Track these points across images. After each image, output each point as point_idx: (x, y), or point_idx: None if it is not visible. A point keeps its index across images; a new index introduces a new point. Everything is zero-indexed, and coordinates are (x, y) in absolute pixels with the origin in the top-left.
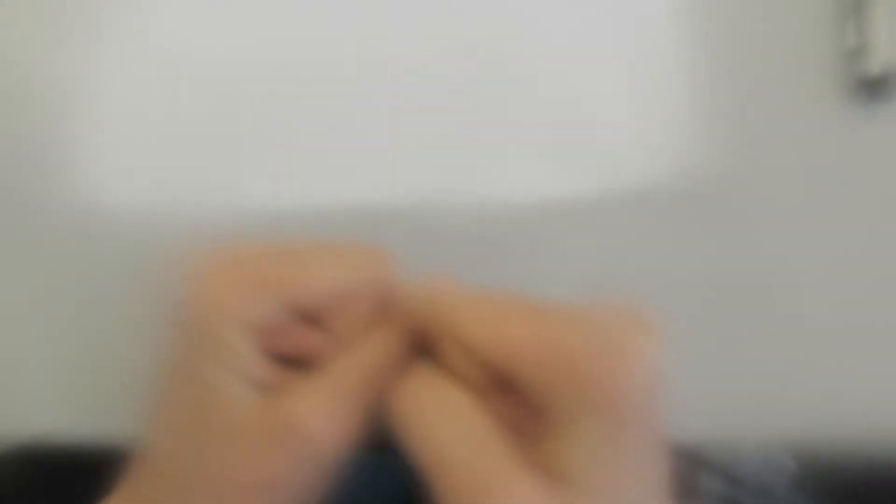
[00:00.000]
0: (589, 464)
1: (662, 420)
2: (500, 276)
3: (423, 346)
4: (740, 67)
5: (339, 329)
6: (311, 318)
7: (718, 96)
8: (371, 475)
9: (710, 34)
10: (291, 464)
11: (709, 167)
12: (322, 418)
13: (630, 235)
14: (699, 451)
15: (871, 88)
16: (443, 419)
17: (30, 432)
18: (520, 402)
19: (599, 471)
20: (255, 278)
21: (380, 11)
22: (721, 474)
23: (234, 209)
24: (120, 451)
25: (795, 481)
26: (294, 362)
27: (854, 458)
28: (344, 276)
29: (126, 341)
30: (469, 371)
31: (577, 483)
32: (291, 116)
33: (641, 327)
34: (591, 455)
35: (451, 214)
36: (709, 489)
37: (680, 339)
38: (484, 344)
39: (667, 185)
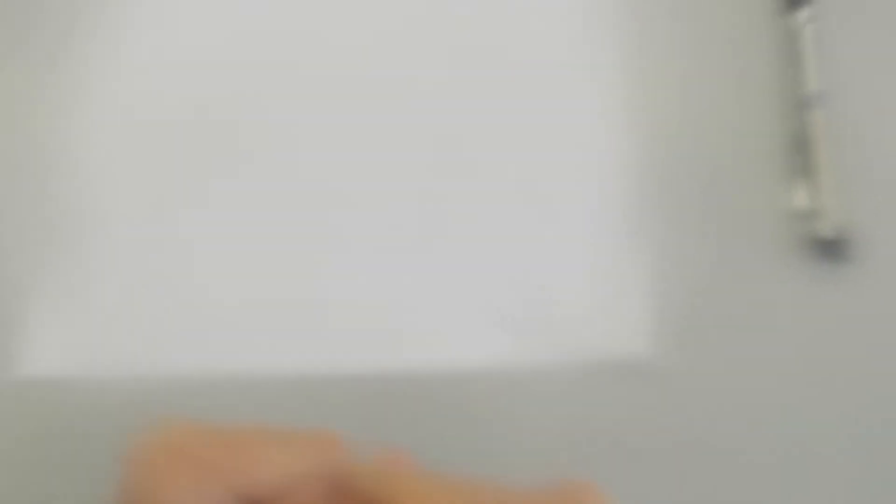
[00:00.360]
0: None
1: None
2: (454, 443)
3: None
4: (693, 229)
5: None
6: None
7: (672, 260)
8: None
9: (665, 199)
10: None
11: (663, 333)
12: None
13: (587, 405)
14: None
15: (824, 249)
16: None
17: None
18: None
19: None
20: (203, 466)
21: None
22: None
23: (181, 377)
24: None
25: None
26: None
27: None
28: (295, 464)
29: None
30: None
31: None
32: (231, 283)
33: None
34: None
35: (407, 381)
36: None
37: None
38: None
39: (621, 353)
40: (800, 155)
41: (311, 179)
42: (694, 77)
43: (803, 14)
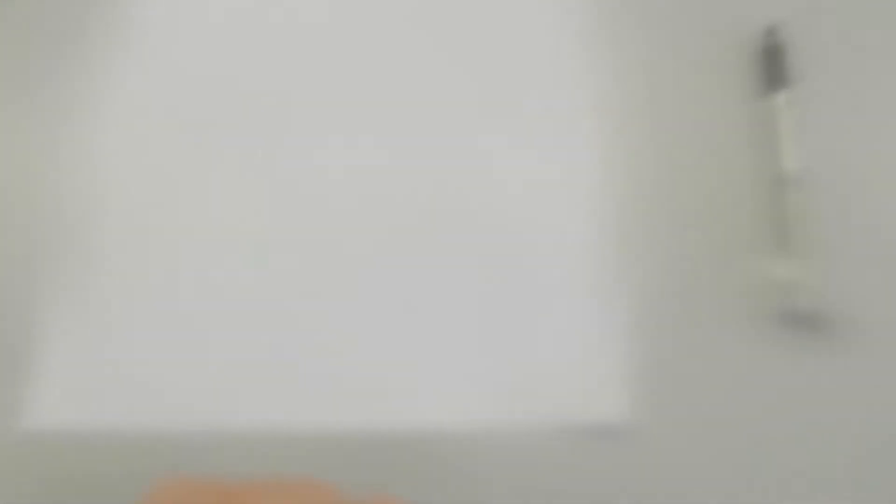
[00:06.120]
0: None
1: None
2: (440, 497)
3: None
4: (670, 299)
5: None
6: None
7: (648, 329)
8: None
9: (643, 268)
10: None
11: (639, 399)
12: None
13: (562, 465)
14: None
15: (800, 322)
16: None
17: None
18: None
19: None
20: None
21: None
22: None
23: (190, 431)
24: None
25: None
26: None
27: None
28: None
29: None
30: None
31: None
32: (230, 342)
33: None
34: None
35: (387, 440)
36: None
37: None
38: None
39: (596, 417)
40: (778, 230)
41: (299, 242)
42: (675, 152)
43: (781, 96)
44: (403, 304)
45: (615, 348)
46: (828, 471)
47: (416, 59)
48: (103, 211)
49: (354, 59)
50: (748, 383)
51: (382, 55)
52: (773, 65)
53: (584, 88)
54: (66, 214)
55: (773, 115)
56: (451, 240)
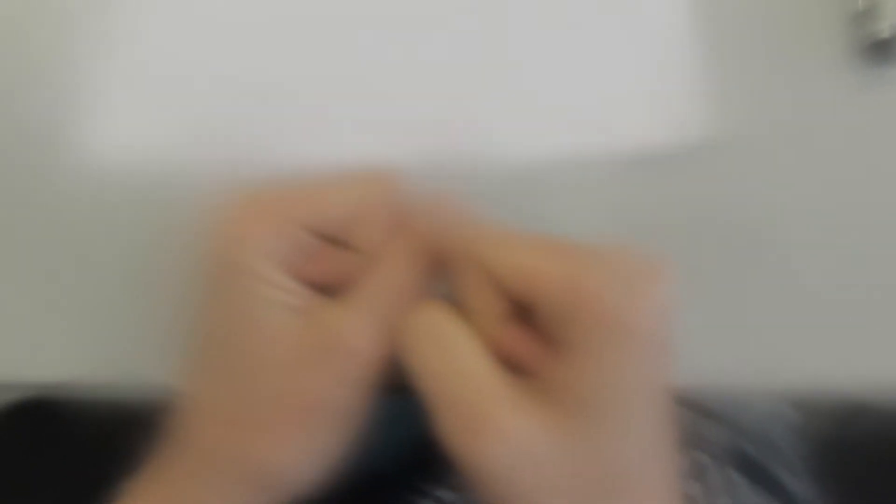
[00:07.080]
0: (599, 390)
1: (670, 359)
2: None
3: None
4: (747, 29)
5: (362, 246)
6: (335, 242)
7: (725, 57)
8: (392, 418)
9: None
10: (335, 381)
11: (714, 127)
12: (361, 333)
13: (633, 193)
14: (704, 401)
15: (879, 51)
16: (439, 354)
17: (39, 381)
18: (534, 331)
19: (608, 397)
20: (276, 208)
21: None
22: (725, 423)
23: (245, 167)
24: (134, 403)
25: (798, 431)
26: (326, 290)
27: (855, 409)
28: (358, 195)
29: (142, 287)
30: (483, 297)
31: (585, 409)
32: (295, 73)
33: (653, 266)
34: (601, 382)
35: (457, 173)
36: (713, 438)
37: (682, 291)
38: (506, 271)
39: (670, 144)
40: None
41: None
42: None
43: None
44: (471, 32)
45: (692, 79)
46: None
47: None
48: None
49: None
50: (824, 113)
51: None
52: None
53: None
54: None
55: None
56: None
